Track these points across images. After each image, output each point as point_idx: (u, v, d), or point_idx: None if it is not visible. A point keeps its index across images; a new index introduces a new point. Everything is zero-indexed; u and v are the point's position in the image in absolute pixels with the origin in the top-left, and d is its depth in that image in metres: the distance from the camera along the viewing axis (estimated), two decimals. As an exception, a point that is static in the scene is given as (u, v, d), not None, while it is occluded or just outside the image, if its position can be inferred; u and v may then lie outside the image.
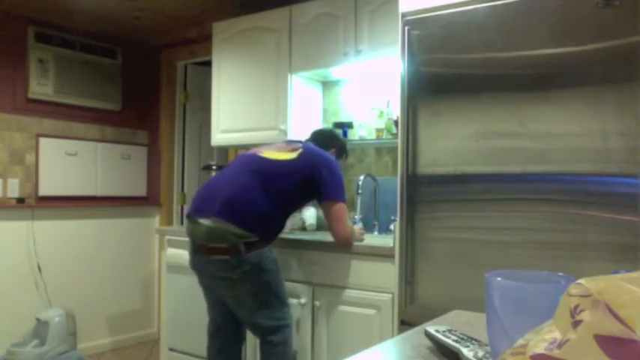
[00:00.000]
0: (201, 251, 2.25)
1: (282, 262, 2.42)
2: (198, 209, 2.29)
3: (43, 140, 3.64)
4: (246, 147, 3.49)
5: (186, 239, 3.02)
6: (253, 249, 2.19)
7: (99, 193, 3.92)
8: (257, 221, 2.21)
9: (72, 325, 3.58)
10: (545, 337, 0.41)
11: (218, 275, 2.24)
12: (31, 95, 3.57)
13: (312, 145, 2.48)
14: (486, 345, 0.76)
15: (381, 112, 2.93)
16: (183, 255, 3.07)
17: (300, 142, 2.51)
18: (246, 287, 2.22)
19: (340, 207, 2.32)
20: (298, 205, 2.43)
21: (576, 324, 0.39)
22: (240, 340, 2.49)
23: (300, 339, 2.57)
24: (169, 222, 4.25)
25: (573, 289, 0.42)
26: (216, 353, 2.43)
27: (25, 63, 3.56)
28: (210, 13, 3.64)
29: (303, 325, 2.56)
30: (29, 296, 3.56)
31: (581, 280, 0.42)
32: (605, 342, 0.37)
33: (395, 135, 2.79)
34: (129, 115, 4.16)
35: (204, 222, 2.22)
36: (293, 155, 2.34)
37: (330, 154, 2.46)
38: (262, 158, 2.34)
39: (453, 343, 0.80)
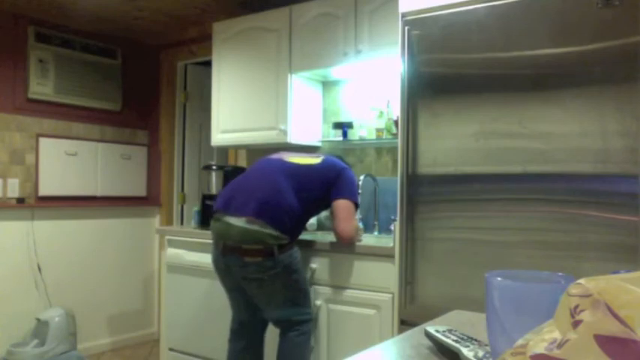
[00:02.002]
0: (233, 253, 2.25)
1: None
2: (229, 207, 2.30)
3: (43, 140, 3.64)
4: (246, 147, 3.50)
5: (186, 239, 3.04)
6: (285, 250, 2.24)
7: (99, 193, 3.92)
8: (291, 223, 2.27)
9: (72, 325, 3.58)
10: (545, 337, 0.41)
11: (250, 277, 2.26)
12: (31, 95, 3.57)
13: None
14: (486, 345, 0.76)
15: (381, 112, 2.93)
16: (183, 255, 3.07)
17: (317, 153, 2.57)
18: (276, 286, 2.26)
19: (349, 204, 2.36)
20: (321, 208, 2.47)
21: (576, 324, 0.39)
22: (263, 340, 2.52)
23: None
24: (169, 222, 4.25)
25: (573, 289, 0.42)
26: (241, 351, 2.45)
27: (25, 63, 3.56)
28: (210, 13, 3.64)
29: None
30: (29, 296, 3.56)
31: (581, 280, 0.42)
32: (605, 342, 0.37)
33: (395, 135, 2.79)
34: (129, 115, 4.16)
35: (237, 222, 2.23)
36: (317, 160, 2.43)
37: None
38: (290, 162, 2.39)
39: (453, 343, 0.80)
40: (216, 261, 2.37)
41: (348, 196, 2.36)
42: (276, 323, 2.37)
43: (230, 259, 2.27)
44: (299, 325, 2.33)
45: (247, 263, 2.22)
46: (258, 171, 2.41)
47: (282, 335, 2.35)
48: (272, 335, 2.50)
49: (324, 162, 2.43)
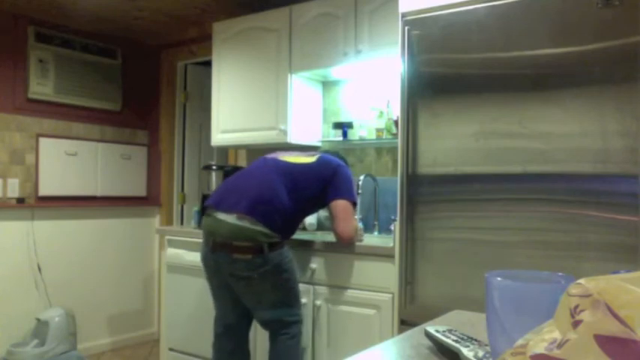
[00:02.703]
0: (222, 249, 2.24)
1: (282, 262, 2.42)
2: (221, 204, 2.29)
3: (43, 140, 3.64)
4: (246, 147, 3.50)
5: (186, 239, 3.04)
6: (275, 249, 2.23)
7: (99, 193, 3.92)
8: (283, 222, 2.26)
9: (72, 325, 3.58)
10: (545, 337, 0.41)
11: (238, 274, 2.24)
12: (31, 95, 3.57)
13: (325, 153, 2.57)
14: (486, 345, 0.76)
15: (381, 112, 2.93)
16: (183, 255, 3.07)
17: (313, 151, 2.58)
18: (265, 285, 2.25)
19: (347, 205, 2.35)
20: (317, 207, 2.46)
21: (576, 324, 0.39)
22: (249, 340, 2.50)
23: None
24: (169, 222, 4.25)
25: (573, 289, 0.42)
26: (230, 355, 2.42)
27: (25, 63, 3.56)
28: (210, 13, 3.64)
29: (304, 324, 2.55)
30: (29, 296, 3.56)
31: (581, 280, 0.42)
32: (605, 342, 0.37)
33: (395, 135, 2.79)
34: (129, 115, 4.16)
35: (228, 219, 2.22)
36: (312, 159, 2.42)
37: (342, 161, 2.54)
38: (284, 162, 2.38)
39: (453, 343, 0.80)
40: (205, 258, 2.35)
41: (345, 196, 2.35)
42: (266, 324, 2.35)
43: (219, 255, 2.25)
44: (288, 327, 2.30)
45: (236, 260, 2.21)
46: (253, 170, 2.40)
47: (273, 339, 2.33)
48: (260, 337, 2.49)
49: (319, 160, 2.42)
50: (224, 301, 2.41)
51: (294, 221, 2.36)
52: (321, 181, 2.35)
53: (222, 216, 2.24)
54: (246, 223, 2.19)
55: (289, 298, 2.31)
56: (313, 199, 2.37)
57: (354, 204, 2.40)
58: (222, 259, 2.25)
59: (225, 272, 2.28)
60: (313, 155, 2.45)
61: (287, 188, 2.29)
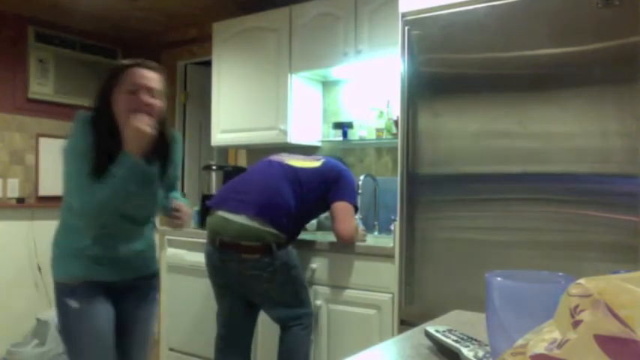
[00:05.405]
0: (230, 249, 2.25)
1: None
2: (227, 204, 2.31)
3: (43, 140, 3.63)
4: (246, 147, 3.50)
5: (186, 239, 3.04)
6: (282, 247, 2.26)
7: (99, 193, 3.92)
8: (290, 224, 2.29)
9: (72, 325, 3.57)
10: (545, 337, 0.41)
11: (247, 273, 2.26)
12: (31, 95, 3.57)
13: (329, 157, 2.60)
14: (486, 345, 0.76)
15: (381, 112, 2.93)
16: (183, 255, 3.07)
17: (318, 155, 2.63)
18: (275, 283, 2.27)
19: (347, 206, 2.38)
20: (322, 209, 2.48)
21: (576, 324, 0.39)
22: (252, 338, 2.50)
23: (300, 339, 2.56)
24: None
25: (573, 289, 0.42)
26: (232, 354, 2.42)
27: (25, 63, 3.56)
28: (210, 13, 3.64)
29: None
30: (29, 296, 3.56)
31: (581, 280, 0.42)
32: (605, 342, 0.37)
33: (395, 135, 2.79)
34: (129, 115, 4.15)
35: (236, 218, 2.24)
36: (317, 164, 2.44)
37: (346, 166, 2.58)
38: (290, 166, 2.40)
39: (453, 343, 0.80)
40: (210, 256, 2.35)
41: (347, 198, 2.38)
42: (278, 319, 2.37)
43: (227, 254, 2.27)
44: (300, 318, 2.33)
45: (245, 260, 2.23)
46: (258, 172, 2.42)
47: (286, 329, 2.35)
48: (270, 331, 2.49)
49: (324, 164, 2.44)
50: (228, 301, 2.42)
51: (300, 223, 2.40)
52: (325, 184, 2.38)
53: (230, 216, 2.26)
54: (255, 224, 2.21)
55: (299, 293, 2.34)
56: (318, 202, 2.40)
57: (355, 208, 2.42)
58: (230, 258, 2.26)
59: (233, 271, 2.29)
60: (319, 160, 2.48)
61: (294, 192, 2.32)
